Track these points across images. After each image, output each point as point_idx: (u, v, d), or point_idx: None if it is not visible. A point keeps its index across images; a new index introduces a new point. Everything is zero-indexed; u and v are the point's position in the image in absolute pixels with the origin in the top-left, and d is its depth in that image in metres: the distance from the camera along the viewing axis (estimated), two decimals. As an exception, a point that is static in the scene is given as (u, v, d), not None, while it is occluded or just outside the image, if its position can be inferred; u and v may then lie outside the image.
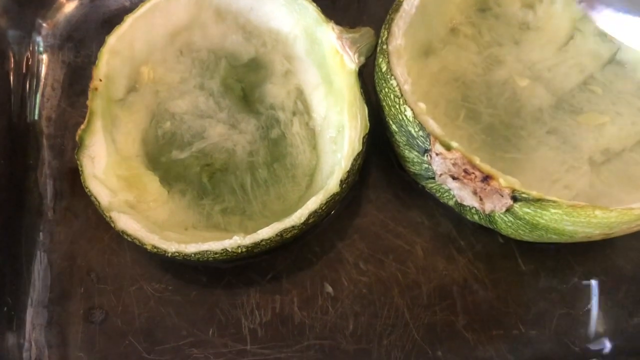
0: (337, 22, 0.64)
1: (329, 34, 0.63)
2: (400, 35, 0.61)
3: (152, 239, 0.58)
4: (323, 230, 0.64)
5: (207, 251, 0.57)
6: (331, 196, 0.58)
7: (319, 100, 0.67)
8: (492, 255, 0.62)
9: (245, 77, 0.71)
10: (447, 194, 0.59)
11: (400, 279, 0.62)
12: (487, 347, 0.59)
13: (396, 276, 0.62)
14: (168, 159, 0.67)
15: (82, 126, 0.63)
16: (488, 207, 0.55)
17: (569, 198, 0.60)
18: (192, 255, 0.57)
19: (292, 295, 0.62)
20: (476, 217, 0.59)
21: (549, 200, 0.52)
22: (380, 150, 0.66)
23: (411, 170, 0.61)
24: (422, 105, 0.58)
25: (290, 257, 0.64)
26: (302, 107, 0.68)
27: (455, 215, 0.62)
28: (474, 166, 0.54)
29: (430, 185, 0.60)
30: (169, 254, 0.57)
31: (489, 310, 0.60)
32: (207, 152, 0.67)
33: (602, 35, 0.66)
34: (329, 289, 0.62)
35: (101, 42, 0.67)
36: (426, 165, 0.58)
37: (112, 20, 0.78)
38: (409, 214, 0.65)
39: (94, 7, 0.78)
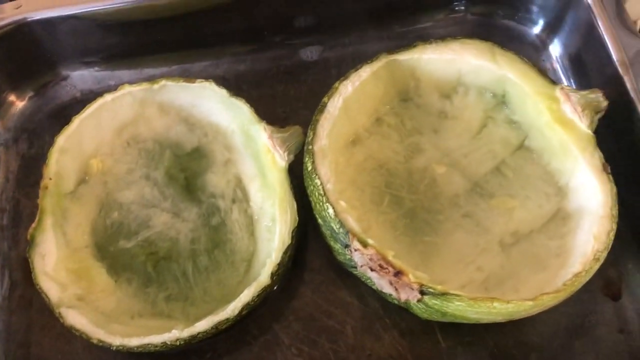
0: (270, 120, 0.71)
1: (261, 133, 0.69)
2: (324, 136, 0.67)
3: (97, 333, 0.63)
4: (261, 313, 0.69)
5: (148, 344, 0.62)
6: (263, 288, 0.63)
7: (255, 191, 0.72)
8: (415, 332, 0.68)
9: (188, 166, 0.76)
10: (370, 280, 0.65)
11: (332, 357, 0.67)
12: (410, 423, 0.65)
13: (328, 355, 0.68)
14: (115, 249, 0.72)
15: (33, 224, 0.68)
16: (403, 296, 0.61)
17: (481, 280, 0.66)
18: (135, 348, 0.62)
19: (233, 377, 0.67)
20: (395, 301, 0.65)
21: (452, 294, 0.58)
22: (315, 235, 0.71)
23: (338, 258, 0.67)
24: (342, 203, 0.64)
25: (231, 340, 0.69)
26: (241, 195, 0.74)
27: (381, 295, 0.67)
28: (387, 262, 0.60)
29: (355, 272, 0.66)
30: (114, 348, 0.62)
31: (411, 386, 0.66)
32: (152, 241, 0.72)
33: (512, 122, 0.73)
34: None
35: (54, 132, 0.72)
36: (349, 256, 0.64)
37: (65, 110, 0.83)
38: (340, 294, 0.70)
39: (45, 99, 0.83)
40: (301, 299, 0.70)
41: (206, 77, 0.74)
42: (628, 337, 0.67)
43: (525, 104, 0.70)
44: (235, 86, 0.83)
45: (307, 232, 0.73)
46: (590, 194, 0.64)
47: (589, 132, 0.65)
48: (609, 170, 0.63)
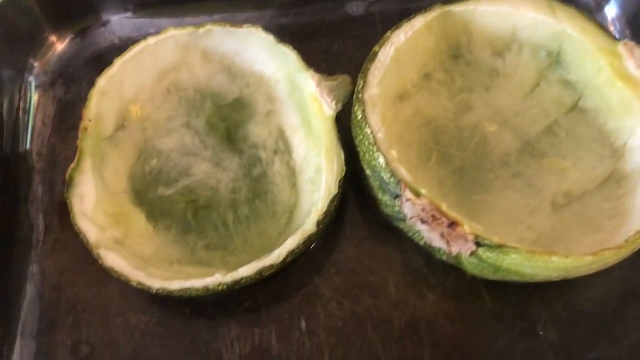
0: (318, 69, 0.69)
1: (308, 81, 0.67)
2: (375, 84, 0.65)
3: (137, 275, 0.62)
4: (302, 265, 0.68)
5: (189, 288, 0.61)
6: (308, 236, 0.62)
7: (299, 142, 0.70)
8: (460, 291, 0.66)
9: (229, 117, 0.74)
10: (417, 234, 0.63)
11: (374, 313, 0.66)
12: (454, 380, 0.63)
13: (370, 311, 0.66)
14: (154, 195, 0.70)
15: (72, 165, 0.66)
16: (454, 249, 0.59)
17: (532, 239, 0.64)
18: (175, 291, 0.61)
19: (271, 329, 0.66)
20: (444, 257, 0.63)
21: (509, 247, 0.56)
22: (358, 189, 0.69)
23: (385, 211, 0.65)
24: (394, 152, 0.62)
25: (270, 291, 0.67)
26: (282, 147, 0.72)
27: (426, 253, 0.65)
28: (441, 212, 0.58)
29: (402, 225, 0.64)
30: (153, 291, 0.61)
31: (456, 345, 0.64)
32: (192, 189, 0.71)
33: (566, 83, 0.71)
34: (305, 323, 0.65)
35: (91, 78, 0.70)
36: (397, 208, 0.62)
37: (102, 57, 0.82)
38: (383, 250, 0.69)
39: (84, 44, 0.82)
40: (343, 253, 0.69)
41: (251, 29, 0.72)
42: (682, 304, 0.65)
43: (583, 60, 0.68)
44: (277, 39, 0.81)
45: (349, 188, 0.71)
46: None
47: None
48: None
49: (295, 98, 0.70)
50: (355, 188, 0.70)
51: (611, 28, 0.80)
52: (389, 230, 0.68)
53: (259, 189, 0.70)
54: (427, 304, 0.66)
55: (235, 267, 0.62)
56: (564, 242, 0.63)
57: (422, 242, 0.64)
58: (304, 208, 0.67)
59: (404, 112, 0.70)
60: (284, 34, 0.80)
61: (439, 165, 0.69)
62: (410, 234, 0.65)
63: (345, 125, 0.67)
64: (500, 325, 0.65)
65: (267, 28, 0.80)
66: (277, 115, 0.73)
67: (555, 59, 0.72)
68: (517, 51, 0.73)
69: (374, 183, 0.64)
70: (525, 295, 0.65)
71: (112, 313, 0.68)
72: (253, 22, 0.80)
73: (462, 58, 0.74)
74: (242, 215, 0.69)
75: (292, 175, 0.70)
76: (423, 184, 0.66)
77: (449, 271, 0.67)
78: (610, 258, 0.56)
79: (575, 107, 0.70)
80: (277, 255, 0.61)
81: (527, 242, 0.64)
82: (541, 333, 0.64)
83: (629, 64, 0.64)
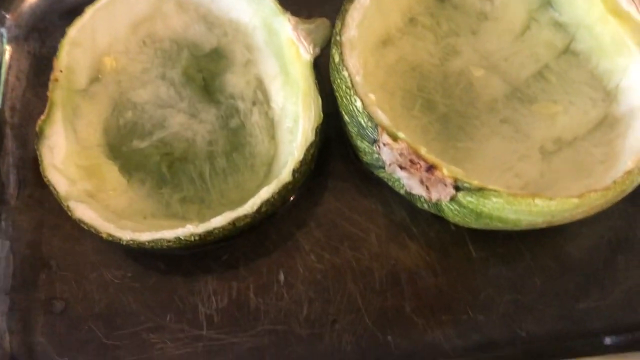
0: (295, 12, 0.66)
1: (285, 25, 0.65)
2: (354, 26, 0.62)
3: (107, 227, 0.60)
4: (280, 218, 0.66)
5: (160, 239, 0.59)
6: (283, 185, 0.60)
7: (277, 90, 0.68)
8: (444, 242, 0.64)
9: (206, 67, 0.72)
10: (397, 182, 0.60)
11: (354, 265, 0.64)
12: (436, 332, 0.61)
13: (350, 263, 0.64)
14: (129, 149, 0.68)
15: (42, 117, 0.65)
16: (434, 195, 0.57)
17: (519, 187, 0.62)
18: (146, 243, 0.59)
19: (248, 282, 0.64)
20: (425, 205, 0.60)
21: (490, 190, 0.54)
22: (338, 139, 0.67)
23: (364, 159, 0.63)
24: (372, 96, 0.59)
25: (248, 245, 0.65)
26: (261, 97, 0.69)
27: (409, 203, 0.63)
28: (419, 156, 0.56)
29: (382, 174, 0.62)
30: (124, 242, 0.59)
31: (438, 296, 0.62)
32: (167, 142, 0.69)
33: (557, 25, 0.68)
34: (284, 277, 0.63)
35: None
36: (377, 155, 0.59)
37: (78, 9, 0.78)
38: (365, 202, 0.67)
39: (59, -4, 0.79)
40: (323, 205, 0.67)
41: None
42: (676, 252, 0.62)
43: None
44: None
45: (331, 139, 0.69)
46: None
47: None
48: None
49: (273, 45, 0.68)
50: (337, 138, 0.68)
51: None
52: (370, 181, 0.66)
53: (236, 141, 0.68)
54: (410, 255, 0.64)
55: (210, 221, 0.60)
56: (553, 190, 0.61)
57: (403, 191, 0.62)
58: (283, 159, 0.65)
59: (388, 58, 0.68)
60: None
61: (423, 113, 0.66)
62: (391, 183, 0.63)
63: (326, 72, 0.65)
64: (486, 276, 0.63)
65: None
66: (256, 65, 0.70)
67: (546, 0, 0.68)
68: (506, -8, 0.69)
69: (353, 130, 0.61)
70: (512, 245, 0.63)
71: (86, 268, 0.66)
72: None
73: (448, 1, 0.71)
74: (219, 168, 0.67)
75: (271, 126, 0.68)
76: (406, 130, 0.64)
77: (433, 222, 0.64)
78: (597, 200, 0.54)
79: (567, 50, 0.67)
80: (251, 205, 0.59)
81: (514, 189, 0.61)
82: (529, 283, 0.62)
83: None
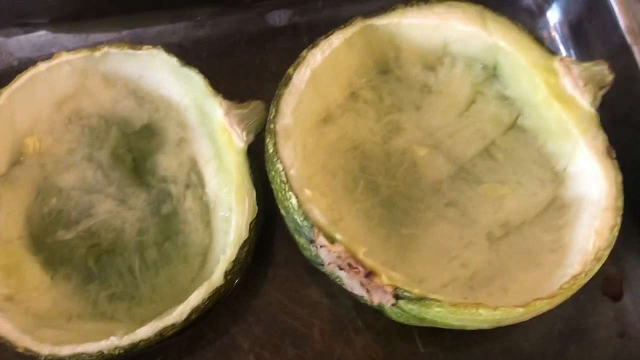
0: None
1: (216, 109, 0.61)
2: (288, 113, 0.59)
3: (24, 340, 0.56)
4: (217, 313, 0.62)
5: (82, 353, 0.55)
6: (215, 289, 0.56)
7: (211, 176, 0.64)
8: (391, 336, 0.61)
9: (137, 146, 0.68)
10: (339, 279, 0.57)
11: (296, 365, 0.60)
12: None
13: (292, 362, 0.60)
14: (53, 240, 0.64)
15: (-47, 213, 0.60)
16: (375, 299, 0.54)
17: (466, 277, 0.59)
18: (67, 358, 0.55)
19: (184, 387, 0.60)
20: (368, 303, 0.57)
21: (431, 299, 0.51)
22: (281, 225, 0.63)
23: (304, 254, 0.59)
24: (307, 192, 0.56)
25: (183, 345, 0.61)
26: (195, 180, 0.66)
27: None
28: (357, 260, 0.53)
29: (323, 269, 0.59)
30: (42, 358, 0.55)
31: (385, 398, 0.59)
32: (94, 231, 0.64)
33: (504, 98, 0.65)
34: (220, 380, 0.60)
35: (-12, 106, 0.63)
36: (315, 252, 0.56)
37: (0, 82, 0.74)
38: (308, 292, 0.63)
39: (-23, 68, 0.74)
40: (263, 297, 0.63)
41: (161, 44, 0.65)
42: (629, 342, 0.61)
43: (519, 77, 0.62)
44: (194, 55, 0.75)
45: (273, 222, 0.65)
46: (592, 181, 0.56)
47: (592, 110, 0.58)
48: (614, 155, 0.56)
49: (206, 126, 0.64)
50: (280, 223, 0.64)
51: (554, 34, 0.74)
52: (314, 270, 0.63)
53: (168, 229, 0.64)
54: (355, 351, 0.61)
55: (142, 320, 0.57)
56: (501, 280, 0.59)
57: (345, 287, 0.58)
58: (218, 251, 0.62)
59: (328, 137, 0.64)
60: (200, 49, 0.74)
61: (366, 195, 0.63)
62: (333, 278, 0.59)
63: (262, 157, 0.61)
64: (435, 373, 0.59)
65: (182, 43, 0.74)
66: (189, 144, 0.67)
67: (491, 73, 0.66)
68: (450, 65, 0.67)
69: (290, 224, 0.58)
70: (460, 339, 0.61)
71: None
72: (166, 37, 0.74)
73: (391, 74, 0.68)
74: (149, 260, 0.63)
75: (206, 212, 0.64)
76: (348, 217, 0.61)
77: (379, 314, 0.61)
78: (543, 307, 0.51)
79: (514, 126, 0.65)
80: (179, 313, 0.55)
81: (460, 281, 0.59)
82: (479, 380, 0.59)
83: (566, 83, 0.58)
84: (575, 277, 0.52)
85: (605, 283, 0.63)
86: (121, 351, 0.55)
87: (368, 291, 0.54)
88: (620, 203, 0.55)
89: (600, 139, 0.57)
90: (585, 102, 0.58)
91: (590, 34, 0.69)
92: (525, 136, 0.65)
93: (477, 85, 0.67)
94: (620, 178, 0.56)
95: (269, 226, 0.65)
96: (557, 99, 0.58)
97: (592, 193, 0.56)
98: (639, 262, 0.64)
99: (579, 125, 0.57)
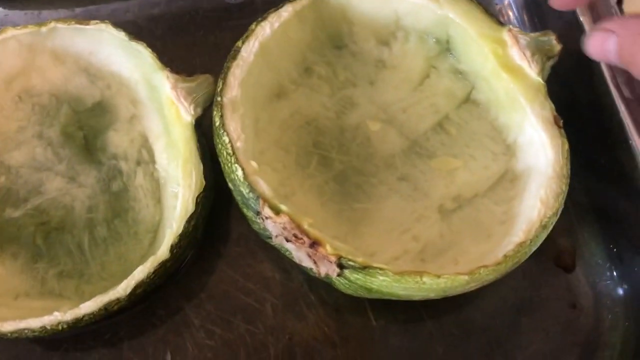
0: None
1: (164, 82, 0.60)
2: (236, 85, 0.58)
3: (-36, 316, 0.54)
4: (169, 290, 0.61)
5: (24, 329, 0.54)
6: (161, 263, 0.55)
7: (161, 152, 0.64)
8: (343, 310, 0.61)
9: (88, 124, 0.67)
10: (288, 252, 0.57)
11: (248, 340, 0.60)
12: (332, 412, 0.57)
13: (244, 338, 0.60)
14: (1, 218, 0.63)
15: None
16: (322, 270, 0.53)
17: (417, 250, 0.59)
18: (9, 334, 0.54)
19: (133, 363, 0.59)
20: (317, 277, 0.57)
21: (375, 267, 0.50)
22: (233, 202, 0.63)
23: (253, 227, 0.59)
24: (254, 164, 0.55)
25: (133, 322, 0.61)
26: (147, 156, 0.65)
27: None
28: (302, 231, 0.52)
29: (272, 243, 0.58)
30: (-16, 334, 0.54)
31: (336, 372, 0.58)
32: (43, 209, 0.63)
33: (458, 73, 0.65)
34: (171, 356, 0.59)
35: None
36: (263, 225, 0.55)
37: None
38: (260, 268, 0.63)
39: None
40: (215, 274, 0.63)
41: (114, 22, 0.64)
42: (580, 313, 0.61)
43: (469, 49, 0.62)
44: (148, 33, 0.74)
45: (227, 200, 0.64)
46: (539, 150, 0.56)
47: (539, 80, 0.57)
48: (561, 124, 0.56)
49: (156, 101, 0.63)
50: (230, 201, 0.63)
51: (508, 9, 0.74)
52: (266, 247, 0.62)
53: (118, 207, 0.63)
54: (307, 326, 0.60)
55: (92, 297, 0.55)
56: (452, 252, 0.58)
57: (295, 261, 0.58)
58: (168, 227, 0.60)
59: (282, 113, 0.64)
60: (155, 27, 0.73)
61: (319, 171, 0.62)
62: (282, 251, 0.59)
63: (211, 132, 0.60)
64: (386, 345, 0.59)
65: (137, 20, 0.73)
66: (140, 121, 0.66)
67: (445, 47, 0.66)
68: (403, 40, 0.67)
69: (237, 198, 0.57)
70: (413, 311, 0.61)
71: (-47, 355, 0.60)
72: (120, 15, 0.73)
73: (346, 49, 0.68)
74: (99, 237, 0.62)
75: (157, 189, 0.64)
76: (300, 193, 0.61)
77: (331, 289, 0.60)
78: (489, 275, 0.51)
79: (467, 100, 0.65)
80: (124, 288, 0.54)
81: (412, 254, 0.59)
82: (431, 352, 0.59)
83: (514, 53, 0.58)
84: (520, 244, 0.51)
85: (557, 255, 0.62)
86: (64, 326, 0.54)
87: (315, 262, 0.53)
88: (566, 171, 0.54)
89: (547, 108, 0.57)
90: (533, 72, 0.58)
91: (544, 8, 0.69)
92: (478, 110, 0.64)
93: (430, 59, 0.66)
94: (567, 146, 0.55)
95: (222, 204, 0.65)
96: (505, 70, 0.58)
97: (540, 162, 0.56)
98: (591, 233, 0.63)
99: (527, 95, 0.57)
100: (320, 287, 0.61)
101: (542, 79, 0.58)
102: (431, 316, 0.60)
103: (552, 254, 0.63)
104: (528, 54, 0.57)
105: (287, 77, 0.65)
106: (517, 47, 0.58)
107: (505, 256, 0.51)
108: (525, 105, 0.57)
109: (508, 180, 0.61)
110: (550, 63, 0.58)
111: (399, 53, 0.67)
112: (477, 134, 0.63)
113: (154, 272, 0.55)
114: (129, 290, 0.54)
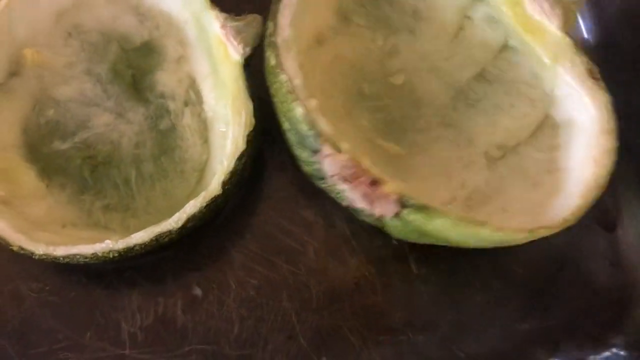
0: (225, 9, 0.60)
1: (213, 22, 0.59)
2: (287, 25, 0.56)
3: (18, 239, 0.53)
4: (214, 229, 0.60)
5: (76, 255, 0.52)
6: (212, 199, 0.54)
7: (209, 91, 0.62)
8: (385, 257, 0.59)
9: (136, 63, 0.65)
10: (339, 194, 0.55)
11: (290, 281, 0.59)
12: (373, 354, 0.56)
13: (286, 278, 0.59)
14: (49, 150, 0.61)
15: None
16: (377, 211, 0.52)
17: (464, 196, 0.58)
18: (61, 258, 0.53)
19: (177, 298, 0.58)
20: (368, 219, 0.56)
21: (436, 209, 0.49)
22: (275, 146, 0.62)
23: (304, 169, 0.57)
24: (313, 101, 0.53)
25: (177, 258, 0.59)
26: (194, 97, 0.63)
27: (350, 215, 0.58)
28: (363, 169, 0.51)
29: (323, 185, 0.57)
30: (37, 256, 0.53)
31: (377, 315, 0.57)
32: (91, 143, 0.62)
33: (492, 21, 0.62)
34: (214, 292, 0.58)
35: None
36: (318, 166, 0.54)
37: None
38: (304, 213, 0.61)
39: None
40: (259, 216, 0.61)
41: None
42: (619, 272, 0.60)
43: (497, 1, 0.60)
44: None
45: (268, 145, 0.63)
46: (580, 107, 0.54)
47: (562, 34, 0.55)
48: (598, 76, 0.53)
49: (204, 42, 0.61)
50: (275, 144, 0.62)
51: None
52: (310, 192, 0.60)
53: (166, 144, 0.62)
54: (349, 271, 0.59)
55: (137, 231, 0.55)
56: (499, 200, 0.57)
57: (345, 204, 0.57)
58: (216, 166, 0.59)
59: (324, 58, 0.61)
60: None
61: (365, 117, 0.61)
62: (332, 195, 0.58)
63: (258, 73, 0.59)
64: (427, 294, 0.58)
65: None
66: (188, 62, 0.64)
67: (478, -5, 0.63)
68: (436, -12, 0.64)
69: (292, 138, 0.56)
70: (454, 261, 0.59)
71: (0, 281, 0.59)
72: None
73: (383, -1, 0.65)
74: (146, 173, 0.61)
75: (204, 129, 0.62)
76: (347, 138, 0.59)
77: (374, 235, 0.60)
78: (545, 233, 0.50)
79: (505, 48, 0.62)
80: (175, 220, 0.53)
81: (459, 200, 0.57)
82: (470, 303, 0.58)
83: (531, 9, 0.56)
84: (578, 207, 0.50)
85: (599, 213, 0.61)
86: (115, 254, 0.52)
87: (371, 203, 0.52)
88: (612, 124, 0.52)
89: (578, 63, 0.54)
90: (554, 26, 0.55)
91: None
92: (515, 57, 0.61)
93: (463, 9, 0.63)
94: (608, 98, 0.52)
95: (265, 149, 0.64)
96: (525, 29, 0.56)
97: (582, 119, 0.53)
98: (633, 195, 0.63)
99: (552, 53, 0.55)
100: (363, 235, 0.60)
101: (567, 30, 0.55)
102: (473, 267, 0.59)
103: (594, 212, 0.61)
104: (546, 6, 0.56)
105: (325, 24, 0.62)
106: (536, 2, 0.56)
107: (564, 220, 0.50)
108: (553, 65, 0.55)
109: (549, 127, 0.58)
110: (576, 9, 0.56)
111: (432, 4, 0.65)
112: (516, 82, 0.60)
113: (205, 206, 0.53)
114: (180, 224, 0.53)
